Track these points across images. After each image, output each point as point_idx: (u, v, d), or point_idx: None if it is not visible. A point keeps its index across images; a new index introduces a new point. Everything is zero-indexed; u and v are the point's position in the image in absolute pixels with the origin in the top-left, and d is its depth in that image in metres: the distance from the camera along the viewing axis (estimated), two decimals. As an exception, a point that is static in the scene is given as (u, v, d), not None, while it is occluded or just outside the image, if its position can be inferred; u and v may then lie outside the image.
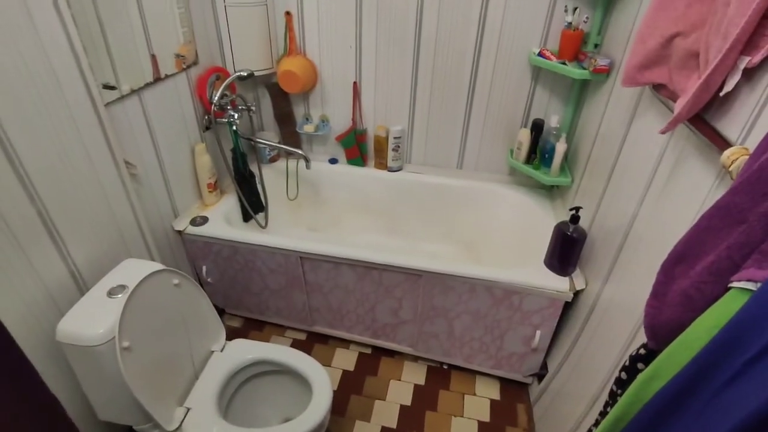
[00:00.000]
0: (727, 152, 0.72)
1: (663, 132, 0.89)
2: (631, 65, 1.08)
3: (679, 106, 0.86)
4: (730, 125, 0.80)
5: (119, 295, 1.14)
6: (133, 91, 1.38)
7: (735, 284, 0.48)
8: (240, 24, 1.74)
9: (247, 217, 1.95)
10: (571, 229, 1.45)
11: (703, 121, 0.87)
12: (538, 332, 1.58)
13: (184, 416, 1.24)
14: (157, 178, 1.57)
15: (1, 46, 0.91)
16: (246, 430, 1.21)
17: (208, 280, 1.86)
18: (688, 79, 0.92)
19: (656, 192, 1.07)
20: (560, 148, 1.71)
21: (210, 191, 1.83)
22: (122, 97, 1.34)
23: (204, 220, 1.75)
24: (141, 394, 1.10)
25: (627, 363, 0.77)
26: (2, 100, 0.93)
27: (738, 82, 0.77)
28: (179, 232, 1.71)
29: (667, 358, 0.55)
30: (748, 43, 0.74)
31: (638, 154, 1.20)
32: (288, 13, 1.82)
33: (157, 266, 1.23)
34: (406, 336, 1.81)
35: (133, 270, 1.22)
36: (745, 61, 0.74)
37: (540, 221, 1.78)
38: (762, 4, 0.67)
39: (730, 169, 0.69)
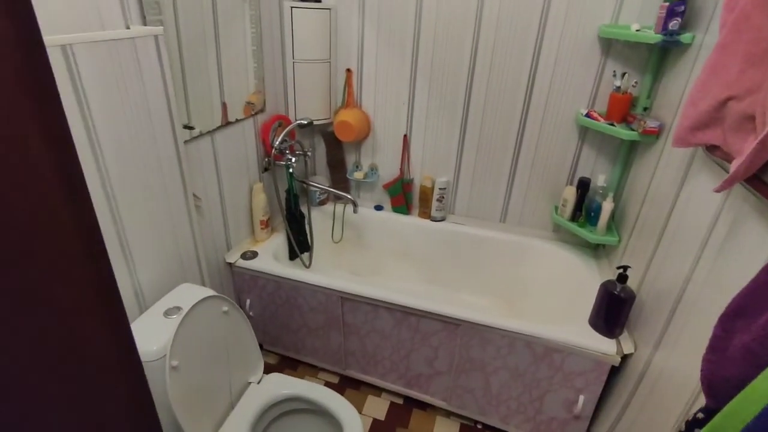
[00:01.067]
0: (786, 212, 0.71)
1: (718, 191, 0.89)
2: (683, 127, 1.10)
3: (734, 165, 0.86)
4: (788, 186, 0.80)
5: (174, 316, 1.20)
6: (205, 132, 1.53)
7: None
8: (305, 78, 1.91)
9: (293, 256, 2.03)
10: (618, 289, 1.41)
11: (761, 180, 0.87)
12: (582, 397, 1.50)
13: (218, 445, 1.25)
14: (216, 212, 1.68)
15: (114, 91, 1.07)
16: (276, 466, 1.20)
17: (251, 313, 1.92)
18: (744, 141, 0.93)
19: (712, 254, 1.05)
20: (607, 206, 1.70)
21: (262, 228, 1.93)
22: (196, 137, 1.48)
23: (254, 254, 1.84)
24: (181, 416, 1.13)
25: (683, 429, 0.73)
26: (106, 132, 1.07)
27: (795, 144, 0.78)
28: (230, 264, 1.80)
29: (729, 415, 0.52)
30: (803, 107, 0.75)
31: (691, 215, 1.19)
32: (348, 70, 1.99)
33: (210, 292, 1.30)
34: (440, 389, 1.76)
35: (188, 294, 1.29)
36: (801, 124, 0.75)
37: (585, 280, 1.74)
38: (816, 71, 0.69)
39: (790, 228, 0.68)
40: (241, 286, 1.88)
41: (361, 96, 2.03)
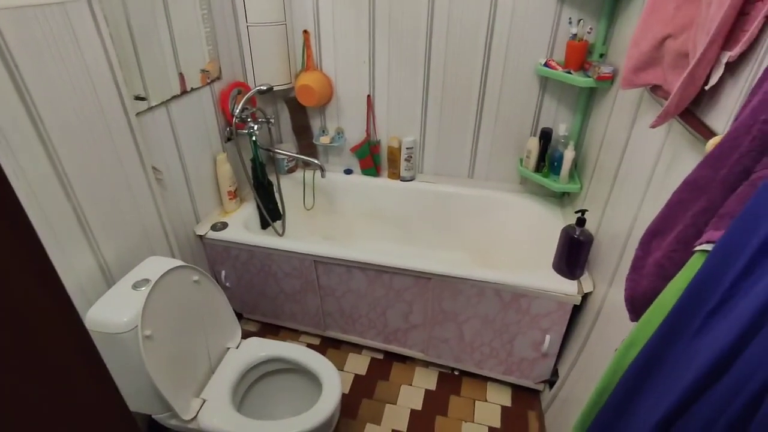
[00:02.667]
0: (710, 141, 0.75)
1: (653, 126, 0.93)
2: (627, 68, 1.12)
3: (669, 99, 0.89)
4: (717, 117, 0.84)
5: (143, 288, 1.22)
6: (161, 103, 1.49)
7: (697, 248, 0.51)
8: (260, 42, 1.86)
9: (265, 225, 2.03)
10: (577, 232, 1.47)
11: (694, 116, 0.90)
12: (548, 337, 1.59)
13: (200, 407, 1.29)
14: (180, 185, 1.67)
15: (50, 62, 1.03)
16: (257, 421, 1.25)
17: (227, 284, 1.94)
18: (680, 78, 0.96)
19: (655, 191, 1.10)
20: (569, 155, 1.74)
21: (230, 199, 1.92)
22: (151, 108, 1.45)
23: (224, 225, 1.84)
24: (161, 383, 1.16)
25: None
26: (49, 108, 1.04)
27: (722, 76, 0.81)
28: (200, 236, 1.80)
29: (642, 325, 0.58)
30: (728, 38, 0.78)
31: (639, 156, 1.23)
32: (305, 32, 1.94)
33: (178, 262, 1.31)
34: (417, 341, 1.84)
35: (156, 266, 1.30)
36: (726, 56, 0.78)
37: (550, 228, 1.80)
38: (735, 1, 0.71)
39: (712, 154, 0.72)
40: (214, 258, 1.89)
41: (321, 58, 2.00)
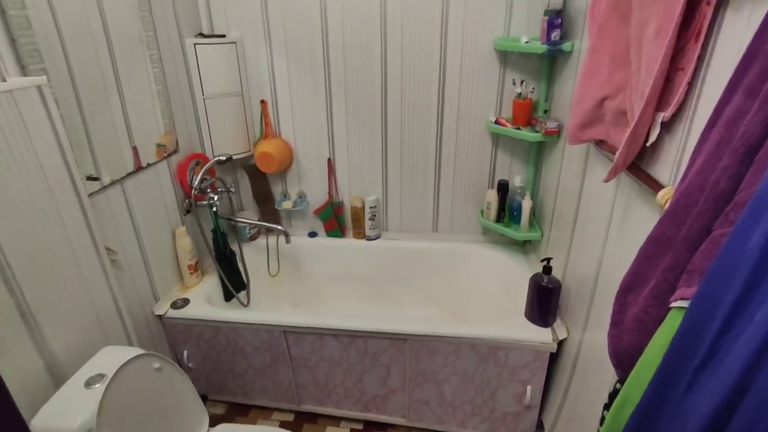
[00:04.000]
0: (660, 193, 0.81)
1: (606, 180, 0.99)
2: (573, 126, 1.21)
3: (616, 157, 0.96)
4: (660, 170, 0.90)
5: (97, 385, 1.10)
6: (115, 181, 1.44)
7: (673, 304, 0.53)
8: (218, 113, 1.87)
9: (228, 297, 1.94)
10: (545, 280, 1.50)
11: (640, 169, 0.97)
12: (529, 388, 1.57)
13: None
14: (137, 263, 1.58)
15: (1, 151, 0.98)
16: None
17: (190, 365, 1.80)
18: (622, 134, 1.04)
19: (614, 236, 1.15)
20: (526, 204, 1.82)
21: (191, 273, 1.83)
22: (105, 188, 1.39)
23: (185, 302, 1.74)
24: (118, 493, 1.03)
25: (607, 401, 0.79)
26: (-11, 197, 0.97)
27: (660, 133, 0.89)
28: (159, 316, 1.69)
29: (632, 382, 0.58)
30: (660, 100, 0.86)
31: (594, 204, 1.30)
32: (263, 101, 1.98)
33: (137, 351, 1.21)
34: (397, 406, 1.76)
35: (112, 357, 1.19)
36: (661, 116, 0.86)
37: (517, 276, 1.83)
38: (662, 68, 0.80)
39: (665, 207, 0.77)
40: (176, 338, 1.76)
41: (280, 125, 2.03)
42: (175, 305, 1.71)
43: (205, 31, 1.88)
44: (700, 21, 0.78)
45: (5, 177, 1.01)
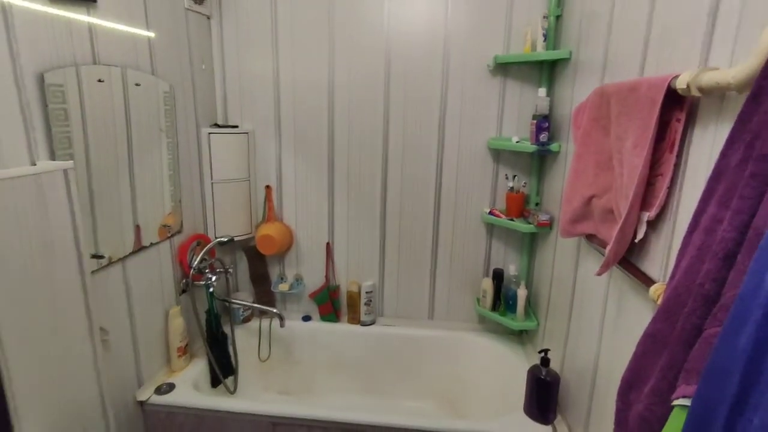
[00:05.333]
0: (652, 288, 0.84)
1: (598, 274, 1.03)
2: (564, 221, 1.28)
3: (607, 252, 1.01)
4: (650, 266, 0.95)
5: (70, 480, 1.02)
6: (117, 259, 1.46)
7: (675, 402, 0.54)
8: (224, 197, 1.95)
9: (215, 383, 1.86)
10: (543, 373, 1.47)
11: (630, 263, 1.02)
12: (532, 495, 1.46)
13: None
14: (126, 345, 1.54)
15: (12, 231, 1.01)
16: None
17: (166, 459, 1.67)
18: (610, 230, 1.10)
19: (610, 328, 1.16)
20: (521, 293, 1.84)
21: (179, 356, 1.77)
22: (107, 266, 1.41)
23: (170, 387, 1.66)
24: None
25: None
26: (-4, 273, 0.98)
27: (647, 231, 0.95)
28: (141, 402, 1.60)
29: (642, 488, 0.56)
30: (644, 201, 0.94)
31: (588, 295, 1.33)
32: (268, 187, 2.07)
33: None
34: None
35: (89, 448, 1.12)
36: (646, 215, 0.93)
37: (515, 367, 1.79)
38: (643, 175, 0.88)
39: (658, 303, 0.80)
40: (155, 428, 1.65)
41: (282, 209, 2.10)
42: (159, 390, 1.63)
43: (220, 122, 2.02)
44: (672, 135, 0.88)
45: (13, 254, 1.03)
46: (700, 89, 0.74)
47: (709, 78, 0.72)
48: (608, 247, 0.98)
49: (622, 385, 0.67)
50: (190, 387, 1.69)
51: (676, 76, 0.81)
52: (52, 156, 1.15)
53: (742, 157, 0.55)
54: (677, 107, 0.86)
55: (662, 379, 0.58)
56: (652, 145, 0.87)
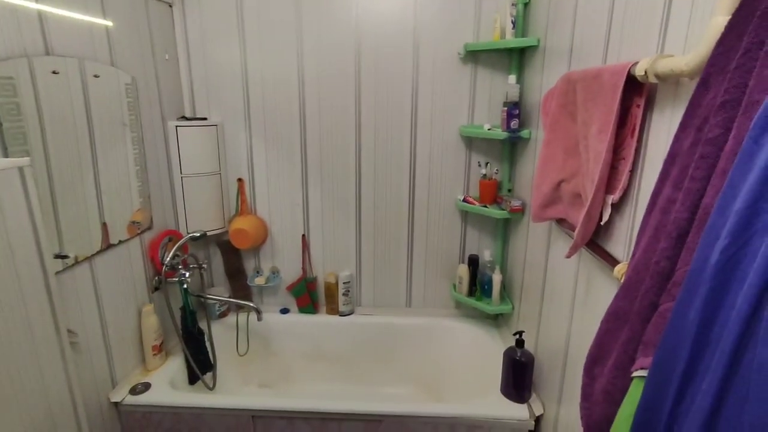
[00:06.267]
0: (616, 268, 0.87)
1: (567, 257, 1.06)
2: (535, 206, 1.31)
3: (575, 235, 1.04)
4: (615, 246, 0.98)
5: (42, 485, 1.00)
6: (84, 259, 1.41)
7: (634, 374, 0.56)
8: (194, 191, 1.90)
9: (193, 380, 1.84)
10: (518, 354, 1.52)
11: (597, 245, 1.05)
12: (510, 471, 1.51)
13: None
14: (97, 346, 1.50)
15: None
16: None
17: (145, 459, 1.65)
18: (578, 213, 1.13)
19: (580, 308, 1.20)
20: (496, 278, 1.88)
21: (154, 354, 1.74)
22: (72, 266, 1.36)
23: (145, 386, 1.63)
24: None
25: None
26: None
27: (611, 213, 0.98)
28: (116, 403, 1.57)
29: (605, 457, 0.59)
30: (609, 185, 0.96)
31: (559, 277, 1.37)
32: (240, 180, 2.04)
33: (91, 444, 1.12)
34: (373, 499, 1.64)
35: (62, 452, 1.09)
36: (610, 198, 0.96)
37: (491, 350, 1.83)
38: (607, 159, 0.91)
39: (621, 282, 0.83)
40: (131, 428, 1.63)
41: (255, 202, 2.07)
42: (134, 390, 1.60)
43: (188, 114, 1.97)
44: (633, 120, 0.90)
45: (-29, 256, 0.99)
46: (657, 76, 0.77)
47: (664, 65, 0.74)
48: (576, 230, 1.01)
49: (588, 361, 0.70)
50: (166, 385, 1.66)
51: (635, 64, 0.83)
52: (5, 153, 1.10)
53: (693, 141, 0.57)
54: (637, 93, 0.88)
55: (623, 354, 0.61)
56: (615, 130, 0.89)
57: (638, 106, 0.88)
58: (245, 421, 1.58)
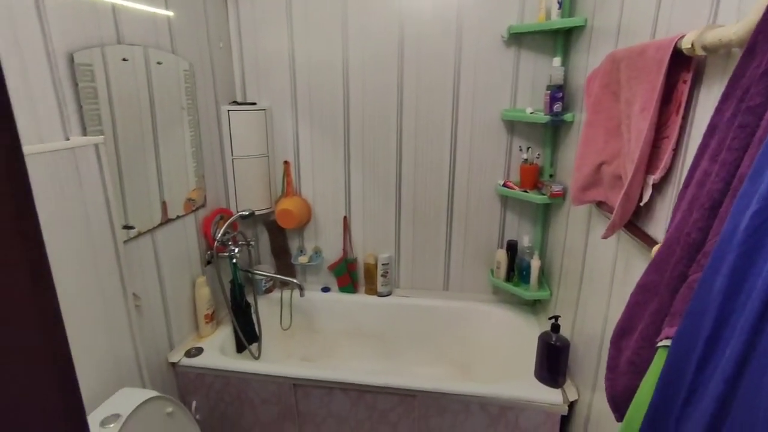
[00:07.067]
0: (654, 248, 0.86)
1: (604, 237, 1.05)
2: (575, 188, 1.30)
3: (613, 215, 1.03)
4: (654, 228, 0.97)
5: (112, 425, 1.13)
6: (146, 231, 1.55)
7: (659, 344, 0.57)
8: (244, 172, 2.02)
9: (240, 348, 1.97)
10: (553, 339, 1.52)
11: (637, 227, 1.04)
12: (542, 453, 1.52)
13: None
14: (158, 310, 1.64)
15: (51, 198, 1.10)
16: None
17: (197, 417, 1.79)
18: (618, 196, 1.12)
19: (618, 291, 1.19)
20: (535, 264, 1.87)
21: (207, 323, 1.88)
22: (137, 236, 1.50)
23: (199, 351, 1.77)
24: None
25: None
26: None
27: (652, 194, 0.97)
28: (173, 364, 1.72)
29: (626, 426, 0.60)
30: (650, 165, 0.95)
31: (598, 261, 1.35)
32: (286, 162, 2.13)
33: (151, 393, 1.25)
34: (406, 470, 1.70)
35: (128, 399, 1.22)
36: (651, 179, 0.94)
37: (527, 335, 1.83)
38: (648, 138, 0.89)
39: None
40: (186, 387, 1.78)
41: (300, 184, 2.16)
42: (189, 353, 1.75)
43: (239, 99, 2.08)
44: (679, 97, 0.88)
45: (57, 225, 1.12)
46: (705, 48, 0.75)
47: (713, 36, 0.72)
48: (614, 210, 1.00)
49: (615, 333, 0.71)
50: (217, 351, 1.80)
51: (682, 37, 0.81)
52: (84, 132, 1.23)
53: (733, 112, 0.56)
54: (684, 69, 0.86)
55: (650, 324, 0.61)
56: (658, 108, 0.88)
57: (685, 81, 0.86)
58: (287, 388, 1.68)
